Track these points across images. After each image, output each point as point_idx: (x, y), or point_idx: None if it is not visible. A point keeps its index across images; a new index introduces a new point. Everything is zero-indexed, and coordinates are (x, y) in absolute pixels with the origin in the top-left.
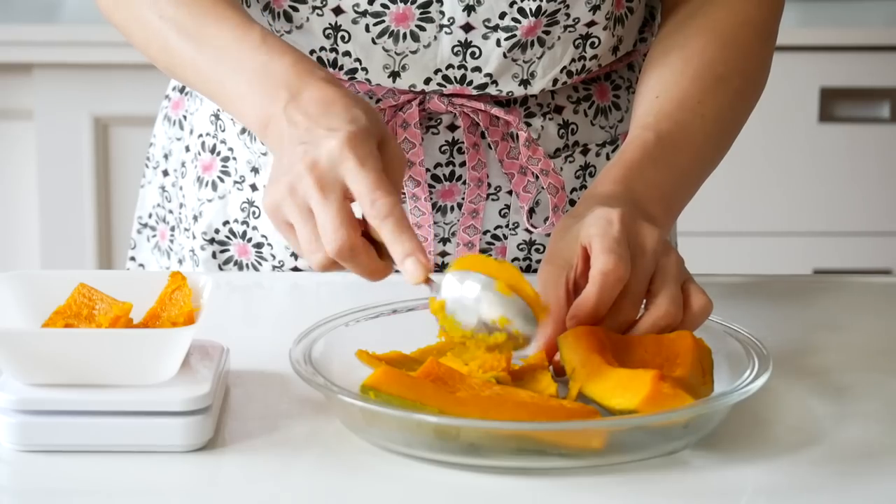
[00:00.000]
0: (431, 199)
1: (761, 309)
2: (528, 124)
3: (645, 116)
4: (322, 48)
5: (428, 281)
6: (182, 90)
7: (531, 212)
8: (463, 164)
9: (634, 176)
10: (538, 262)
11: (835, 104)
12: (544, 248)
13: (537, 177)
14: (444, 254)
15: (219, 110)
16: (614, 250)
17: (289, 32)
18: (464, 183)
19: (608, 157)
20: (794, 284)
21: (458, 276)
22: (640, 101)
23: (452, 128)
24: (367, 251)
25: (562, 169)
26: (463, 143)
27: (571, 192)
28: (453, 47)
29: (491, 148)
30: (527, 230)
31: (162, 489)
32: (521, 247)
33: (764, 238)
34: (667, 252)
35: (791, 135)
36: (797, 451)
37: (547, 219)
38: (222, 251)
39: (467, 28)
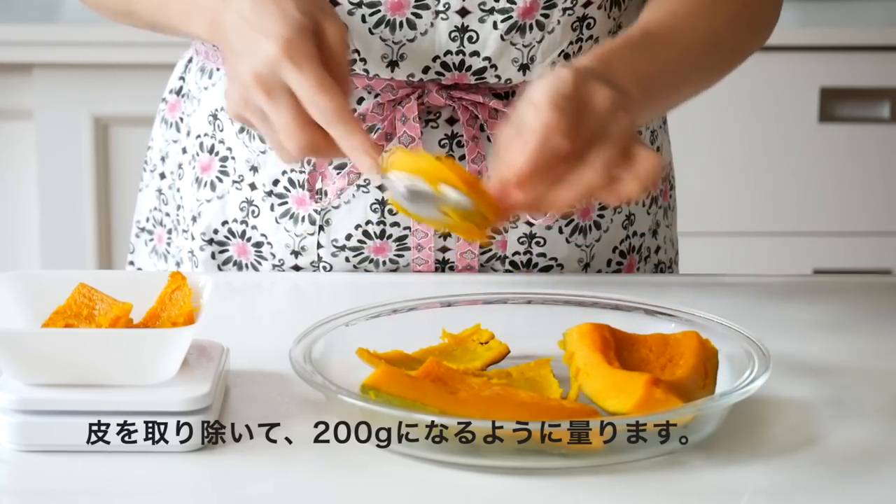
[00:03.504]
0: None
1: (761, 309)
2: None
3: (632, 25)
4: None
5: (379, 172)
6: (178, 92)
7: None
8: (462, 158)
9: (614, 56)
10: (539, 255)
11: (835, 104)
12: (545, 241)
13: None
14: (444, 249)
15: (216, 110)
16: (557, 104)
17: None
18: None
19: None
20: (794, 284)
21: (407, 176)
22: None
23: (451, 121)
24: (330, 144)
25: None
26: (462, 136)
27: None
28: (450, 32)
29: (490, 141)
30: (527, 223)
31: (162, 489)
32: (521, 240)
33: (764, 238)
34: (616, 116)
35: (791, 135)
36: (797, 451)
37: None
38: (221, 251)
39: (463, 13)
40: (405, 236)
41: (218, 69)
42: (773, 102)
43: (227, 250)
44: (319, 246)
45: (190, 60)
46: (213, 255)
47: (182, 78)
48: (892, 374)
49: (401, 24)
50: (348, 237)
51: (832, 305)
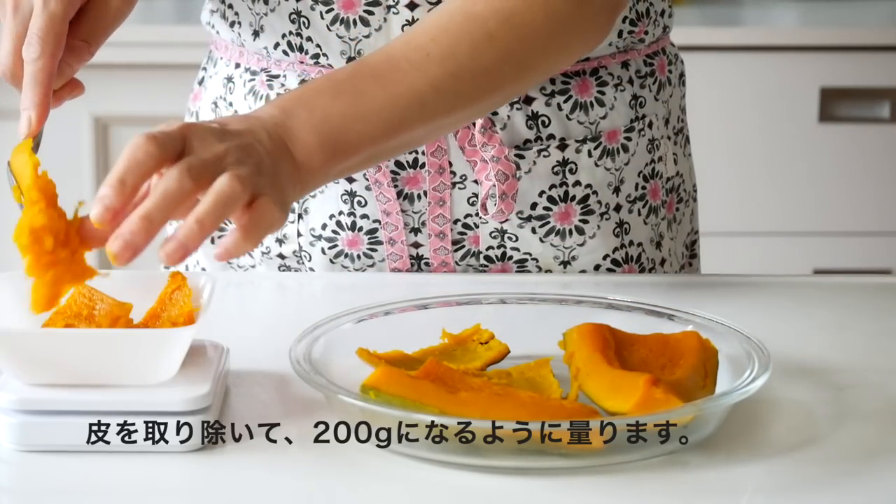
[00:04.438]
0: (397, 186)
1: (761, 309)
2: (494, 113)
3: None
4: (290, 32)
5: (31, 136)
6: (200, 82)
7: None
8: (423, 153)
9: (304, 100)
10: (512, 249)
11: (835, 104)
12: (517, 237)
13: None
14: (416, 244)
15: (217, 98)
16: (151, 133)
17: (265, 15)
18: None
19: (590, 154)
20: (794, 284)
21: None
22: None
23: None
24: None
25: (535, 163)
26: None
27: (550, 189)
28: (402, 26)
29: (452, 135)
30: (501, 221)
31: (162, 489)
32: (493, 235)
33: (764, 238)
34: (225, 167)
35: (791, 135)
36: (797, 451)
37: (495, 203)
38: (220, 236)
39: (412, 6)
40: (375, 229)
41: (221, 58)
42: (773, 102)
43: (224, 234)
44: (299, 234)
45: (211, 51)
46: (212, 240)
47: (204, 68)
48: (892, 374)
49: (354, 21)
50: (323, 227)
51: (832, 305)
